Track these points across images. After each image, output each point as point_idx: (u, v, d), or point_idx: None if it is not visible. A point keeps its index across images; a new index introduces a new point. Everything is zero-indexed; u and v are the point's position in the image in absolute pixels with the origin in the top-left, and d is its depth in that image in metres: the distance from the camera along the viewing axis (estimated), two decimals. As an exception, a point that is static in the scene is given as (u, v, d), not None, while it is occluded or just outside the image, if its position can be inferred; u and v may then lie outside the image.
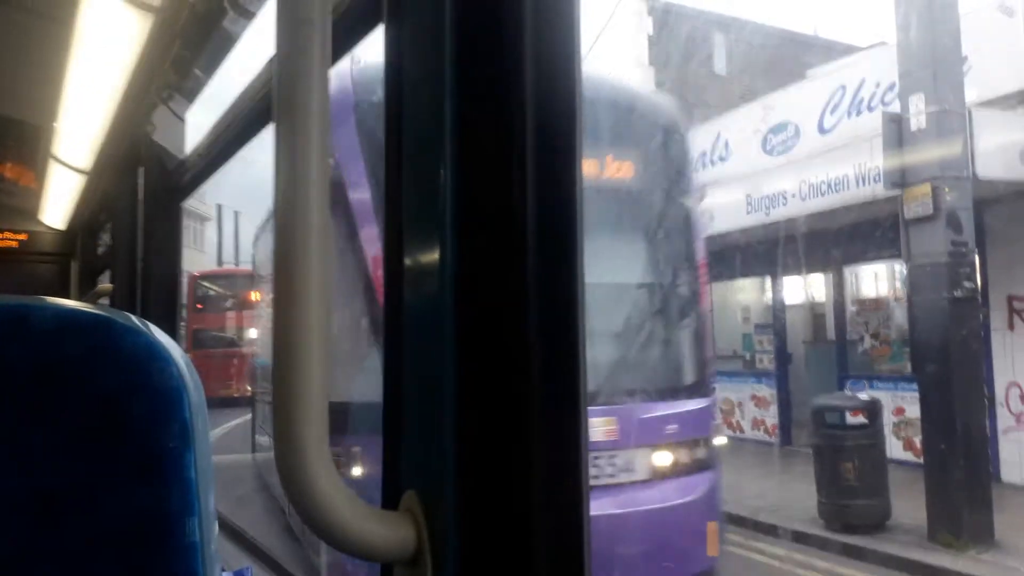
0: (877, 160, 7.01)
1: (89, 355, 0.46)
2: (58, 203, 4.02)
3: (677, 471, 4.27)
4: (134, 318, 0.49)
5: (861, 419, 6.51)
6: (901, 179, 6.33)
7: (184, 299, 13.99)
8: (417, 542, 0.63)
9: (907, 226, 6.29)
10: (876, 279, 10.50)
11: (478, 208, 0.64)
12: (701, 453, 4.41)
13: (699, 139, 9.62)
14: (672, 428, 4.31)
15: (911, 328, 7.33)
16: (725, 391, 10.84)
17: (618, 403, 4.19)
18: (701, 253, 4.96)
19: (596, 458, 4.01)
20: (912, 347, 7.88)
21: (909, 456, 8.36)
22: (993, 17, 7.53)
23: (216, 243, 26.18)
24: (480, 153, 0.65)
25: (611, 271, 4.59)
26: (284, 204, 0.61)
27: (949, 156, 6.13)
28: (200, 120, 2.16)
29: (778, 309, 10.97)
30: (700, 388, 4.64)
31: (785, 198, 8.85)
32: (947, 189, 6.07)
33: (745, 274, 11.04)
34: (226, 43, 1.93)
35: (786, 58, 14.77)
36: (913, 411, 7.84)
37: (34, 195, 4.06)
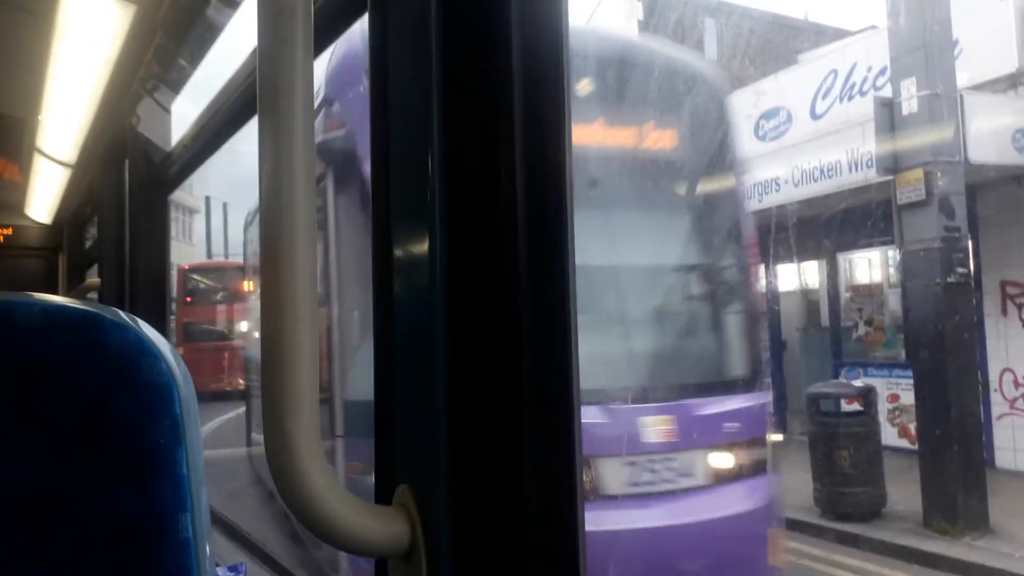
0: (869, 145, 7.03)
1: (77, 352, 0.45)
2: (44, 197, 3.99)
3: (738, 474, 3.87)
4: (122, 313, 0.48)
5: (856, 407, 6.56)
6: (893, 164, 6.35)
7: (173, 292, 13.94)
8: (411, 536, 0.63)
9: (900, 212, 6.31)
10: (870, 265, 10.56)
11: (467, 199, 0.63)
12: (761, 453, 4.02)
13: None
14: (732, 426, 3.91)
15: (905, 314, 7.38)
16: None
17: (671, 400, 3.79)
18: (750, 230, 4.47)
19: (651, 461, 3.66)
20: (906, 333, 7.93)
21: (904, 443, 8.44)
22: (983, 0, 7.53)
23: (205, 235, 26.09)
24: (468, 143, 0.64)
25: (652, 251, 4.23)
26: (269, 196, 0.61)
27: (941, 141, 6.15)
28: (187, 111, 2.14)
29: (771, 297, 11.02)
30: (756, 381, 4.23)
31: (777, 184, 8.87)
32: (939, 174, 6.10)
33: (737, 261, 11.06)
34: (211, 33, 1.91)
35: (777, 43, 14.78)
36: (908, 398, 7.91)
37: (19, 189, 4.02)
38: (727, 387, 4.11)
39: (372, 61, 0.75)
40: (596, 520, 3.40)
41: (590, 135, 3.96)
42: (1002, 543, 5.83)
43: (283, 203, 0.60)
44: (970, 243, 6.61)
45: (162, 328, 2.15)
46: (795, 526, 6.61)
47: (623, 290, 4.12)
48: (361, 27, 0.82)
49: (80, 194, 3.63)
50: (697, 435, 3.74)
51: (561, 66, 0.64)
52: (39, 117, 2.79)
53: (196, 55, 2.06)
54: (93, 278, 3.32)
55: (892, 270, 9.68)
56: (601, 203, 3.98)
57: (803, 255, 10.52)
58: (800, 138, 9.07)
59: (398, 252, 0.70)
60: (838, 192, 8.20)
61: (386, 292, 0.71)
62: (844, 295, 10.44)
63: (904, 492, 6.50)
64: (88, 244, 4.07)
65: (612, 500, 3.54)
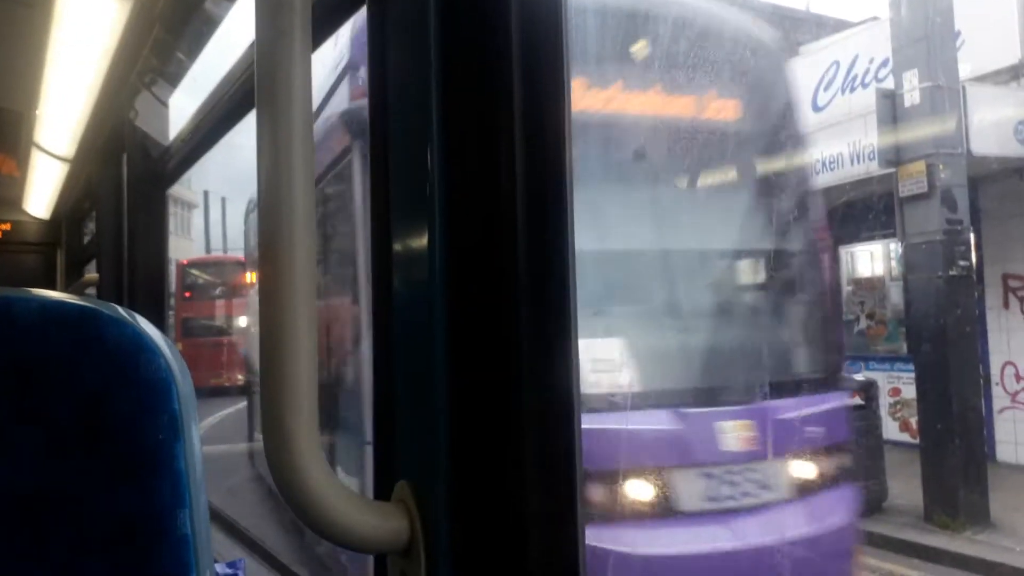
0: (871, 138, 7.01)
1: (75, 348, 0.45)
2: (42, 192, 3.98)
3: (825, 485, 3.43)
4: (120, 309, 0.48)
5: (857, 400, 6.55)
6: (895, 157, 6.34)
7: (172, 287, 13.94)
8: (410, 532, 0.63)
9: (902, 204, 6.30)
10: (872, 258, 10.54)
11: (467, 194, 0.63)
12: (846, 461, 3.58)
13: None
14: (816, 431, 3.49)
15: (906, 308, 7.37)
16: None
17: (749, 402, 3.35)
18: (819, 211, 4.04)
19: (730, 473, 3.20)
20: (908, 327, 7.93)
21: (905, 437, 8.44)
22: (985, -8, 7.50)
23: (203, 230, 26.08)
24: (468, 138, 0.63)
25: (718, 233, 3.75)
26: (268, 190, 0.60)
27: (943, 133, 6.13)
28: (185, 105, 2.13)
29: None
30: (836, 379, 3.78)
31: (778, 178, 8.84)
32: (941, 166, 6.08)
33: (737, 255, 11.05)
34: (208, 26, 1.90)
35: (778, 34, 14.68)
36: (909, 392, 7.90)
37: (17, 184, 4.01)
38: (808, 386, 3.64)
39: (370, 55, 0.74)
40: (670, 541, 3.08)
41: (646, 103, 3.61)
42: (1003, 537, 5.83)
43: (282, 197, 0.60)
44: (972, 236, 6.60)
45: (160, 324, 2.15)
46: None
47: (688, 277, 3.70)
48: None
49: (78, 189, 3.62)
50: (780, 441, 3.27)
51: (561, 59, 0.63)
52: (36, 111, 2.78)
53: (194, 49, 2.05)
54: (91, 274, 3.31)
55: (894, 263, 9.67)
56: (664, 181, 3.65)
57: (804, 248, 10.50)
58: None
59: (397, 247, 0.69)
60: (839, 185, 8.19)
61: (385, 287, 0.71)
62: (846, 288, 10.43)
63: (905, 486, 6.51)
64: (86, 239, 4.06)
65: (687, 517, 3.13)
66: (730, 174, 3.92)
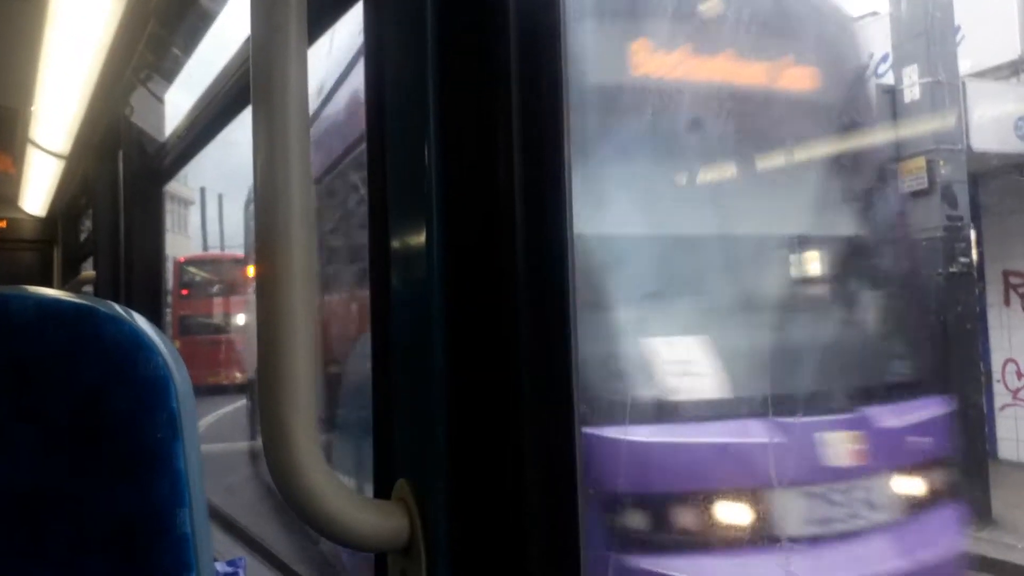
0: (869, 133, 7.00)
1: (71, 346, 0.45)
2: (38, 189, 3.97)
3: (935, 503, 2.99)
4: (117, 306, 0.48)
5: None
6: (895, 152, 6.34)
7: (169, 285, 13.92)
8: (410, 531, 0.63)
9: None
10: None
11: (464, 190, 0.63)
12: (952, 475, 3.14)
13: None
14: (924, 441, 3.07)
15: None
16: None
17: (852, 409, 2.89)
18: (897, 195, 3.70)
19: (831, 492, 2.75)
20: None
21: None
22: (984, -14, 7.50)
23: (200, 227, 26.06)
24: (465, 134, 0.63)
25: (804, 218, 3.31)
26: (264, 186, 0.60)
27: (943, 128, 6.13)
28: (181, 101, 2.12)
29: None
30: (936, 382, 3.41)
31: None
32: (942, 162, 6.08)
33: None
34: (204, 20, 1.89)
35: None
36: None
37: (12, 181, 4.00)
38: (910, 390, 3.22)
39: (367, 51, 0.74)
40: (766, 572, 2.64)
41: (716, 70, 3.16)
42: (1005, 534, 5.83)
43: (278, 193, 0.60)
44: (972, 232, 6.61)
45: (158, 321, 2.15)
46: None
47: (776, 266, 3.28)
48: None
49: (74, 186, 3.61)
50: (888, 454, 2.88)
51: (559, 55, 0.63)
52: (32, 108, 2.77)
53: (189, 44, 2.04)
54: (88, 271, 3.31)
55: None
56: (746, 156, 3.17)
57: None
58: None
59: (395, 245, 0.69)
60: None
61: (383, 286, 0.71)
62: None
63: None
64: (83, 236, 4.05)
65: (788, 545, 2.70)
66: (818, 151, 3.42)
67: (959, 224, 6.11)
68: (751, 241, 3.25)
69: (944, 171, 6.07)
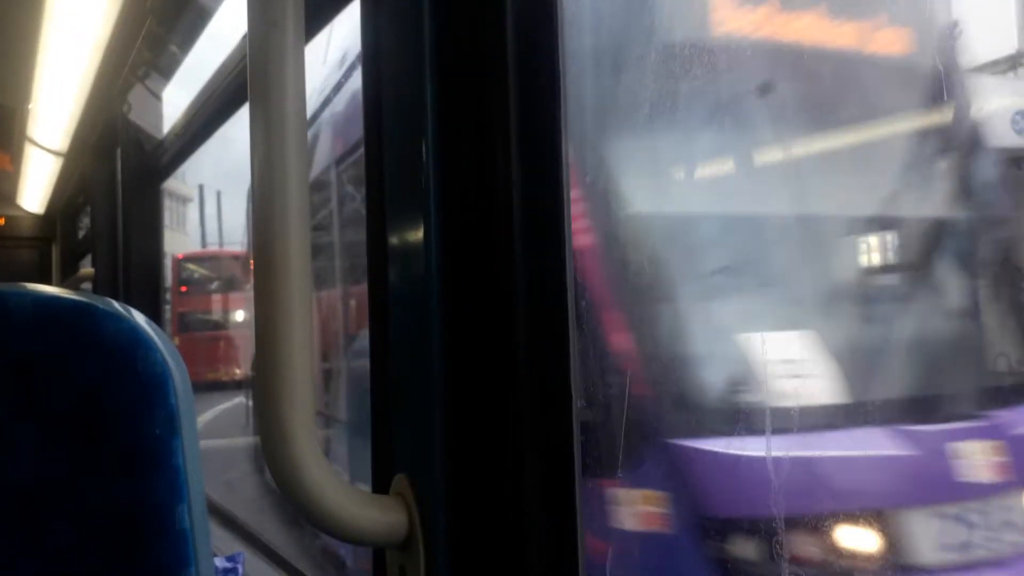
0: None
1: (70, 343, 0.45)
2: (36, 186, 3.96)
3: None
4: (116, 303, 0.48)
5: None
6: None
7: (168, 282, 13.88)
8: (408, 525, 0.63)
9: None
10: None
11: (462, 184, 0.63)
12: None
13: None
14: None
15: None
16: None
17: (982, 415, 2.48)
18: (1003, 172, 3.26)
19: (968, 511, 2.31)
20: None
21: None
22: (981, -18, 7.48)
23: (199, 224, 26.02)
24: (463, 129, 0.63)
25: (922, 194, 2.89)
26: (262, 182, 0.60)
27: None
28: (179, 99, 2.12)
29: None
30: None
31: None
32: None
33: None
34: (201, 18, 1.89)
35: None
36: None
37: (11, 179, 3.99)
38: None
39: (364, 47, 0.74)
40: None
41: (807, 29, 2.74)
42: None
43: (276, 190, 0.60)
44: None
45: (157, 318, 2.15)
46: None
47: (894, 250, 2.92)
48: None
49: (72, 183, 3.60)
50: None
51: (556, 50, 0.63)
52: (29, 105, 2.76)
53: (187, 41, 2.04)
54: (87, 268, 3.30)
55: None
56: (849, 125, 2.73)
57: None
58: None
59: (393, 240, 0.69)
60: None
61: (381, 281, 0.71)
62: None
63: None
64: (81, 234, 4.05)
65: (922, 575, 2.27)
66: (931, 121, 2.99)
67: (957, 219, 6.06)
68: (858, 223, 2.81)
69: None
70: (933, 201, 3.02)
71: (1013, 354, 2.85)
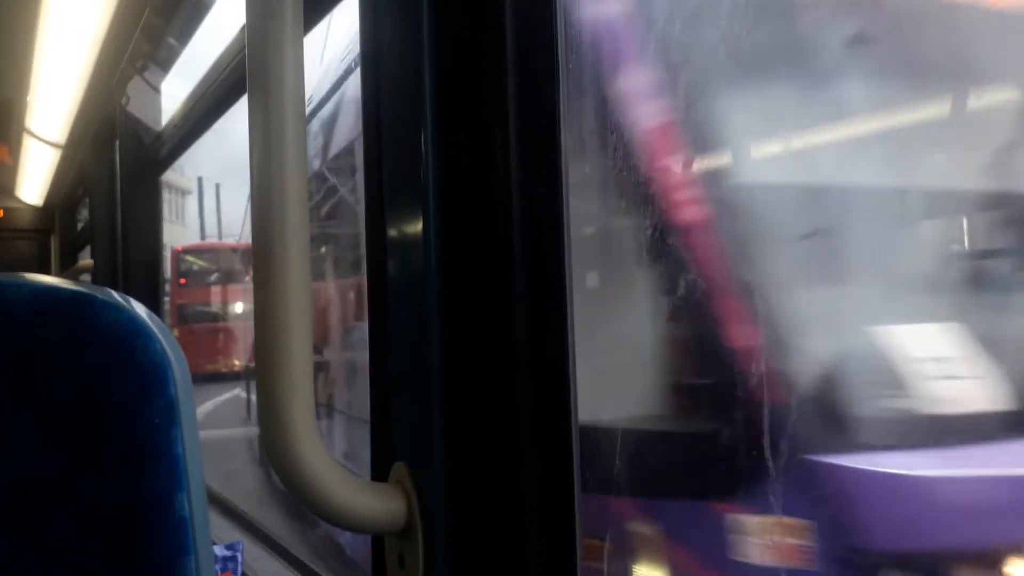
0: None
1: (69, 334, 0.45)
2: (35, 178, 3.95)
3: None
4: (115, 294, 0.48)
5: None
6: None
7: (168, 274, 13.86)
8: (408, 513, 0.64)
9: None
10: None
11: (461, 177, 0.63)
12: None
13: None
14: None
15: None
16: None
17: None
18: None
19: None
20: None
21: None
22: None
23: (198, 216, 25.94)
24: (462, 122, 0.63)
25: None
26: (260, 174, 0.60)
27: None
28: (177, 91, 2.11)
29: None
30: None
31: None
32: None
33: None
34: (199, 9, 1.88)
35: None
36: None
37: (9, 170, 3.98)
38: None
39: (362, 38, 0.74)
40: None
41: None
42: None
43: (274, 182, 0.60)
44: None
45: (156, 310, 2.15)
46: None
47: None
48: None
49: (71, 175, 3.59)
50: None
51: (555, 42, 0.63)
52: (28, 97, 2.75)
53: (185, 33, 2.03)
54: (86, 260, 3.30)
55: None
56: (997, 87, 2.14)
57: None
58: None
59: (392, 231, 0.69)
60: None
61: (381, 271, 0.71)
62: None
63: None
64: (80, 226, 4.04)
65: None
66: None
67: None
68: (1013, 200, 2.30)
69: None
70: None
71: None
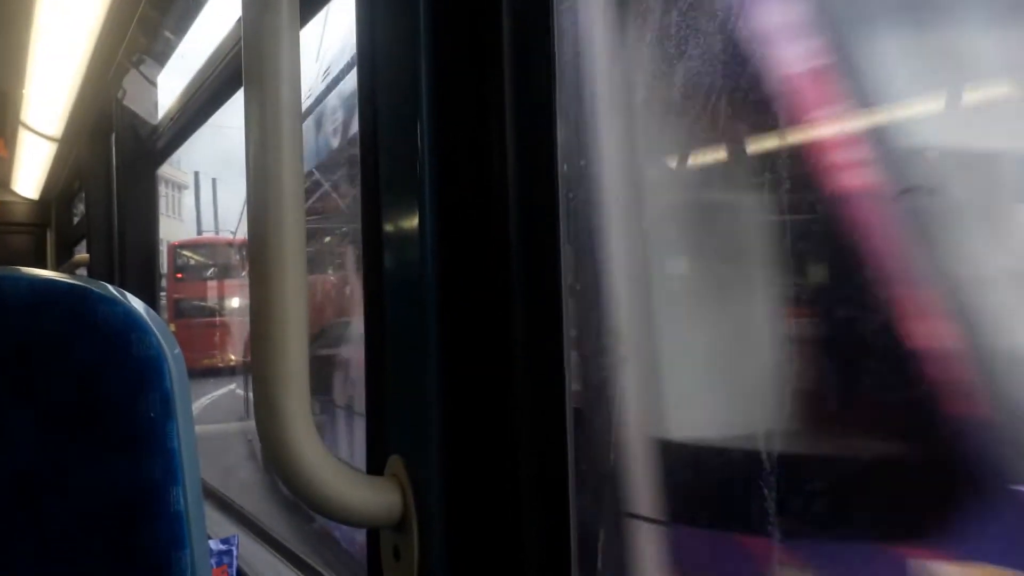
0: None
1: (66, 327, 0.45)
2: (30, 172, 3.93)
3: None
4: (111, 287, 0.48)
5: None
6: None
7: (164, 269, 13.80)
8: (403, 506, 0.64)
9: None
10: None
11: (457, 174, 0.63)
12: None
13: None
14: None
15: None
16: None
17: None
18: None
19: None
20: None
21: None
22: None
23: (194, 211, 25.83)
24: (457, 115, 0.63)
25: None
26: (256, 168, 0.60)
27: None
28: (173, 84, 2.11)
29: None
30: None
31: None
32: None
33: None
34: (195, 3, 1.87)
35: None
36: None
37: (5, 164, 3.96)
38: None
39: (358, 31, 0.74)
40: None
41: None
42: None
43: (270, 175, 0.60)
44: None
45: (152, 304, 2.15)
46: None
47: None
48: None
49: (67, 169, 3.58)
50: None
51: (550, 37, 0.63)
52: (23, 91, 2.74)
53: (181, 25, 2.02)
54: (82, 254, 3.29)
55: None
56: None
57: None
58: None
59: (388, 225, 0.69)
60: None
61: (376, 265, 0.71)
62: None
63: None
64: (76, 220, 4.03)
65: None
66: None
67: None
68: None
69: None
70: None
71: None
